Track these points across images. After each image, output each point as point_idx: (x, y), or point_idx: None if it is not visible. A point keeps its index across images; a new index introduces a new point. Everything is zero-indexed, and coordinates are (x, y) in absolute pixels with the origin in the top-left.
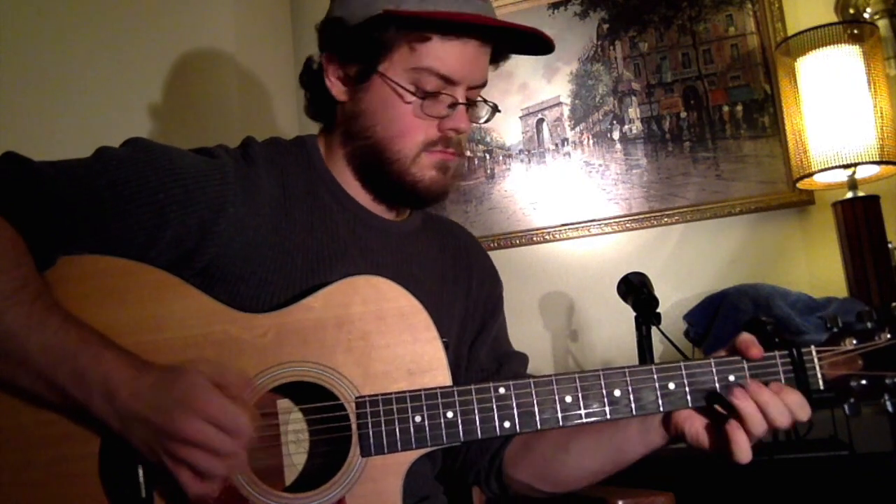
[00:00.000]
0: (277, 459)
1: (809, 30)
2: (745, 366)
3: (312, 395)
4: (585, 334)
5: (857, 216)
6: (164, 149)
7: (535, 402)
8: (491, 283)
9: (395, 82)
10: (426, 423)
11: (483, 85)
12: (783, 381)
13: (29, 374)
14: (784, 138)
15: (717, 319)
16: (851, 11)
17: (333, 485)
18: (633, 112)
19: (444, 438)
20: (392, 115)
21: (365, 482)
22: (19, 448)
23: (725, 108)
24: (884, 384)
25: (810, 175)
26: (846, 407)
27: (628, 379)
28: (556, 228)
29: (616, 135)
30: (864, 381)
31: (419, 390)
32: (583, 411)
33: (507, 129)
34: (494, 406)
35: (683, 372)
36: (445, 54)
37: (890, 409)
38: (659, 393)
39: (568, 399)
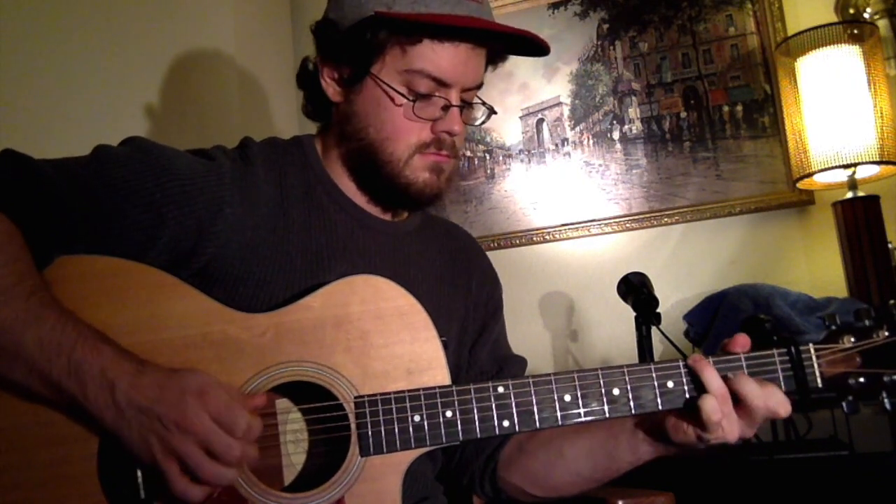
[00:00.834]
0: (276, 459)
1: (809, 30)
2: (744, 364)
3: (311, 395)
4: (585, 334)
5: (857, 216)
6: (162, 149)
7: (534, 401)
8: (491, 285)
9: (386, 84)
10: (425, 422)
11: (478, 86)
12: (781, 378)
13: (24, 369)
14: (784, 138)
15: (717, 319)
16: (851, 11)
17: (332, 484)
18: (633, 112)
19: (444, 438)
20: (384, 117)
21: (364, 482)
22: (18, 449)
23: (725, 108)
24: (882, 382)
25: (810, 175)
26: (844, 405)
27: (627, 378)
28: (556, 228)
29: (616, 135)
30: (862, 379)
31: (418, 390)
32: (582, 410)
33: (507, 129)
34: (493, 405)
35: (682, 370)
36: (437, 56)
37: (888, 406)
38: (658, 391)
39: (567, 398)
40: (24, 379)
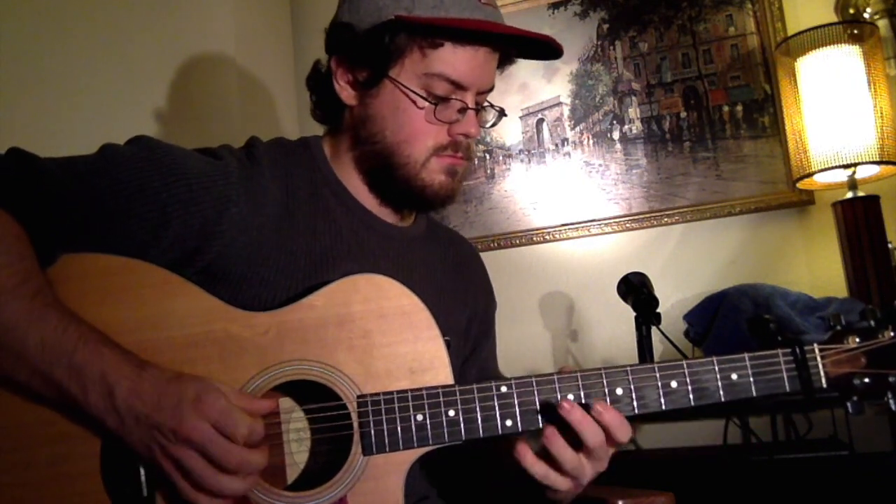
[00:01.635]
0: (279, 458)
1: (809, 30)
2: (748, 364)
3: (314, 394)
4: (585, 334)
5: (857, 216)
6: (169, 148)
7: (537, 400)
8: (486, 301)
9: (407, 87)
10: (428, 421)
11: (491, 89)
12: (786, 379)
13: (26, 369)
14: (784, 138)
15: (717, 319)
16: (851, 11)
17: (335, 483)
18: (633, 112)
19: (446, 437)
20: (402, 120)
21: (367, 480)
22: (21, 447)
23: (725, 108)
24: (887, 382)
25: (810, 175)
26: (849, 405)
27: (630, 377)
28: (556, 228)
29: (616, 135)
30: (867, 380)
31: (421, 389)
32: None
33: (507, 129)
34: (496, 405)
35: (686, 370)
36: (456, 60)
37: (893, 407)
38: (661, 391)
39: (570, 397)
40: (27, 379)
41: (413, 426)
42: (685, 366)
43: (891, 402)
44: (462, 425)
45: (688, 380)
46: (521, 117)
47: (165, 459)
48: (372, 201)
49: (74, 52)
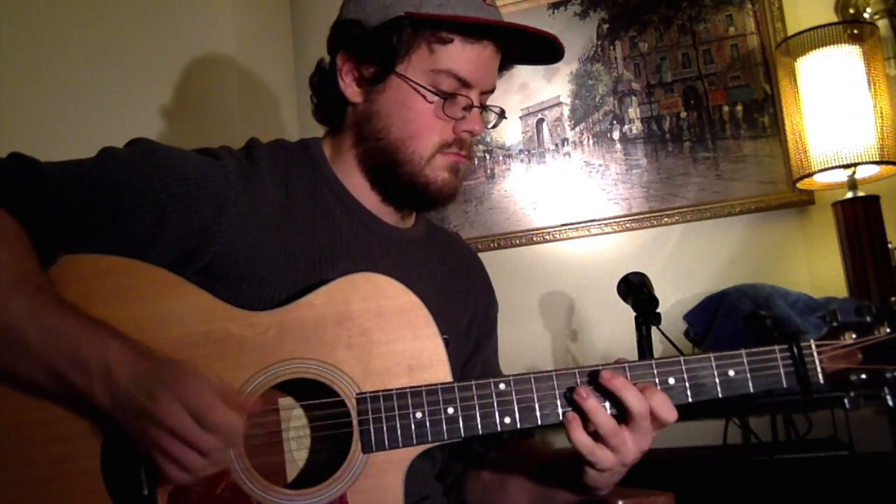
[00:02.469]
0: (279, 456)
1: (809, 30)
2: (745, 360)
3: (313, 392)
4: (585, 334)
5: (857, 216)
6: (167, 149)
7: (535, 397)
8: (487, 303)
9: (416, 83)
10: (427, 419)
11: (493, 90)
12: (783, 375)
13: (30, 364)
14: (784, 138)
15: (717, 319)
16: (851, 11)
17: (335, 481)
18: (633, 112)
19: (445, 434)
20: (409, 116)
21: (366, 478)
22: (22, 446)
23: (725, 108)
24: (884, 378)
25: (810, 175)
26: (846, 401)
27: (628, 374)
28: (556, 228)
29: (616, 135)
30: (863, 375)
31: (420, 386)
32: None
33: (507, 129)
34: (495, 402)
35: (683, 367)
36: (464, 57)
37: (890, 402)
38: (658, 388)
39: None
40: (31, 374)
41: (412, 423)
42: (682, 362)
43: (888, 397)
44: (461, 422)
45: (685, 376)
46: (521, 117)
47: (153, 446)
48: (372, 201)
49: (75, 52)
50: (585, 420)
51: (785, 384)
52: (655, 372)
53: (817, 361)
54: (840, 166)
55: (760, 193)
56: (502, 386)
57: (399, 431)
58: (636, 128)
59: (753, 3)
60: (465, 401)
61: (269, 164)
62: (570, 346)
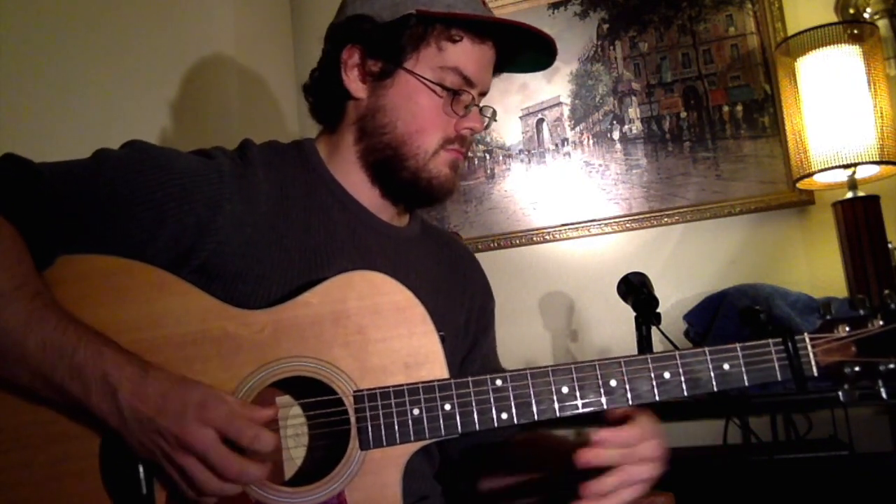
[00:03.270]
0: (277, 454)
1: (809, 30)
2: (740, 354)
3: (311, 390)
4: (585, 334)
5: (857, 216)
6: (161, 150)
7: (531, 393)
8: (484, 299)
9: (424, 78)
10: (424, 415)
11: (487, 92)
12: (777, 368)
13: (27, 371)
14: (784, 138)
15: (717, 319)
16: (851, 11)
17: (333, 478)
18: (633, 112)
19: (443, 431)
20: (415, 111)
21: (364, 475)
22: (20, 447)
23: (725, 108)
24: (877, 370)
25: (810, 175)
26: (840, 393)
27: (624, 369)
28: (556, 228)
29: (616, 135)
30: (857, 368)
31: (417, 383)
32: (579, 402)
33: (507, 129)
34: (492, 398)
35: (678, 361)
36: (470, 56)
37: (884, 395)
38: (654, 382)
39: (564, 390)
40: (29, 381)
41: (409, 420)
42: (678, 357)
43: (881, 390)
44: (458, 419)
45: (680, 370)
46: (521, 117)
47: (167, 463)
48: (369, 199)
49: (74, 52)
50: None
51: (779, 377)
52: (651, 367)
53: (811, 354)
54: (840, 166)
55: (760, 193)
56: (499, 382)
57: (396, 428)
58: (636, 128)
59: (753, 3)
60: (462, 397)
61: (263, 164)
62: (570, 346)
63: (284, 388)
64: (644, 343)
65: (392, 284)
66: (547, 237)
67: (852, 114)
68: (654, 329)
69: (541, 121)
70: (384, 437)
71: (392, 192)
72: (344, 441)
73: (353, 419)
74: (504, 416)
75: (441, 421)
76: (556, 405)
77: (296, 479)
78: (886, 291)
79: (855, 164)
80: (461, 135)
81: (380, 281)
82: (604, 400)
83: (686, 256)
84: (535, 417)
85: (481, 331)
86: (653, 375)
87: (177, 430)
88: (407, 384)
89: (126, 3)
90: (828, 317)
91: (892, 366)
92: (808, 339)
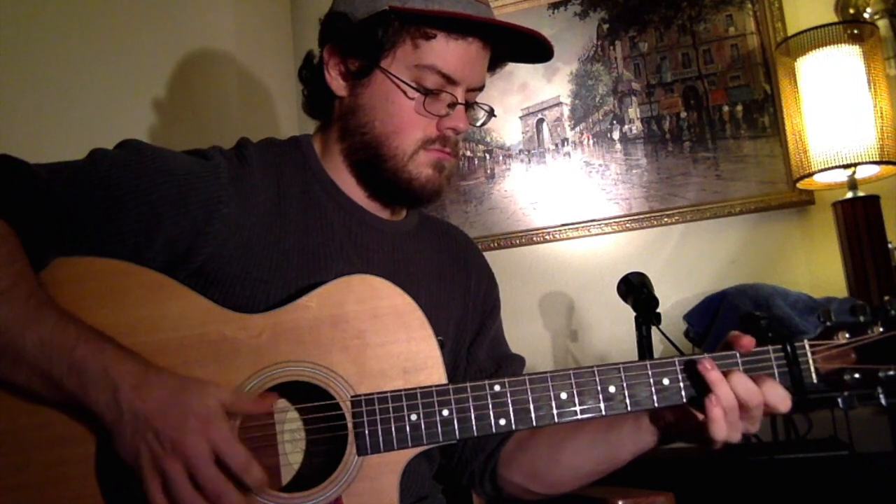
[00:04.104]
0: (274, 459)
1: (809, 30)
2: (739, 360)
3: (308, 395)
4: (585, 334)
5: (857, 216)
6: (157, 150)
7: (530, 399)
8: (488, 284)
9: (397, 78)
10: (422, 421)
11: (481, 88)
12: (777, 375)
13: (25, 369)
14: (784, 138)
15: (717, 319)
16: (851, 11)
17: (330, 484)
18: (633, 112)
19: (440, 436)
20: (392, 111)
21: (362, 480)
22: (16, 451)
23: (725, 108)
24: (877, 377)
25: (810, 175)
26: (840, 400)
27: (623, 375)
28: (556, 228)
29: (616, 135)
30: (857, 375)
31: (415, 389)
32: (578, 408)
33: (507, 129)
34: (490, 403)
35: (678, 367)
36: (448, 53)
37: (884, 402)
38: (654, 389)
39: (563, 396)
40: (26, 380)
41: (407, 426)
42: (677, 363)
43: (881, 397)
44: (456, 424)
45: (680, 377)
46: (521, 117)
47: (149, 463)
48: (362, 196)
49: (72, 49)
50: (705, 391)
51: None
52: (650, 373)
53: (811, 361)
54: (840, 166)
55: (760, 193)
56: (497, 388)
57: (394, 434)
58: (636, 128)
59: (753, 3)
60: (460, 402)
61: (259, 164)
62: (570, 346)
63: (282, 392)
64: (644, 343)
65: (391, 288)
66: (547, 237)
67: (852, 114)
68: (654, 329)
69: (541, 121)
70: (382, 443)
71: (377, 192)
72: (341, 446)
73: (350, 424)
74: (502, 421)
75: (439, 427)
76: (555, 411)
77: (293, 484)
78: (886, 298)
79: (855, 164)
80: (443, 135)
81: (379, 285)
82: (602, 406)
83: (686, 256)
84: (534, 423)
85: (488, 315)
86: (652, 382)
87: (174, 436)
88: (405, 389)
89: (126, 1)
90: (828, 323)
91: (891, 372)
92: (807, 346)
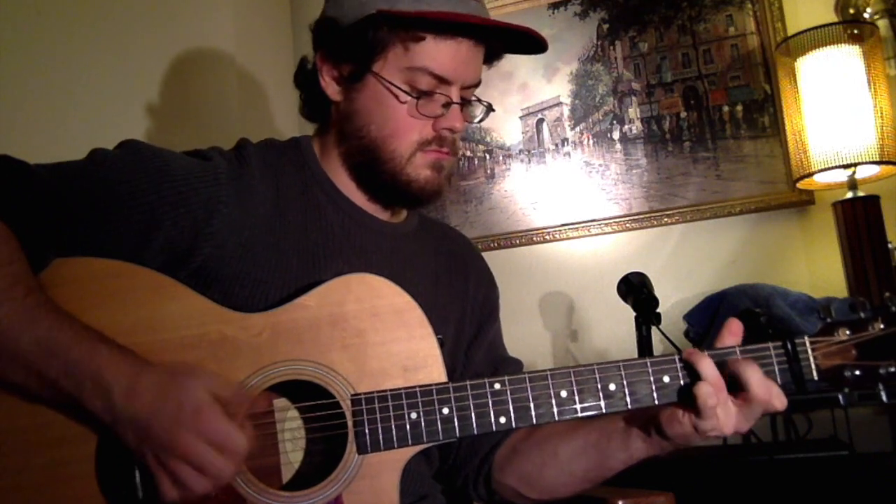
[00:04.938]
0: (274, 458)
1: (809, 30)
2: (739, 357)
3: (308, 394)
4: (585, 334)
5: (857, 216)
6: (157, 151)
7: (530, 396)
8: (487, 287)
9: (389, 82)
10: (422, 419)
11: (477, 84)
12: (777, 371)
13: (21, 370)
14: (784, 138)
15: (717, 319)
16: (851, 11)
17: (330, 482)
18: (633, 112)
19: (440, 434)
20: (386, 115)
21: (362, 479)
22: (16, 451)
23: (725, 108)
24: (877, 374)
25: (810, 175)
26: (841, 397)
27: (623, 373)
28: (556, 228)
29: (616, 135)
30: (857, 371)
31: (414, 387)
32: (578, 406)
33: (507, 129)
34: (490, 401)
35: (678, 365)
36: (439, 54)
37: (884, 398)
38: (654, 386)
39: (563, 394)
40: (23, 380)
41: (407, 424)
42: (677, 360)
43: (881, 393)
44: (456, 422)
45: (680, 374)
46: (521, 117)
47: (155, 463)
48: (361, 198)
49: (73, 50)
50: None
51: (779, 381)
52: (650, 370)
53: (811, 358)
54: (840, 166)
55: (760, 193)
56: (497, 386)
57: (394, 432)
58: (636, 128)
59: (753, 3)
60: (460, 401)
61: (259, 164)
62: (570, 346)
63: (282, 391)
64: (644, 343)
65: (390, 287)
66: (547, 237)
67: (852, 114)
68: (654, 329)
69: (541, 121)
70: (382, 441)
71: (377, 195)
72: (342, 445)
73: (350, 423)
74: (502, 419)
75: (439, 425)
76: (555, 409)
77: (293, 483)
78: (887, 294)
79: (855, 164)
80: (439, 135)
81: (378, 283)
82: (602, 404)
83: (686, 256)
84: (534, 421)
85: (486, 318)
86: (652, 379)
87: (170, 438)
88: (405, 388)
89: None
90: (828, 320)
91: (892, 369)
92: (808, 343)
